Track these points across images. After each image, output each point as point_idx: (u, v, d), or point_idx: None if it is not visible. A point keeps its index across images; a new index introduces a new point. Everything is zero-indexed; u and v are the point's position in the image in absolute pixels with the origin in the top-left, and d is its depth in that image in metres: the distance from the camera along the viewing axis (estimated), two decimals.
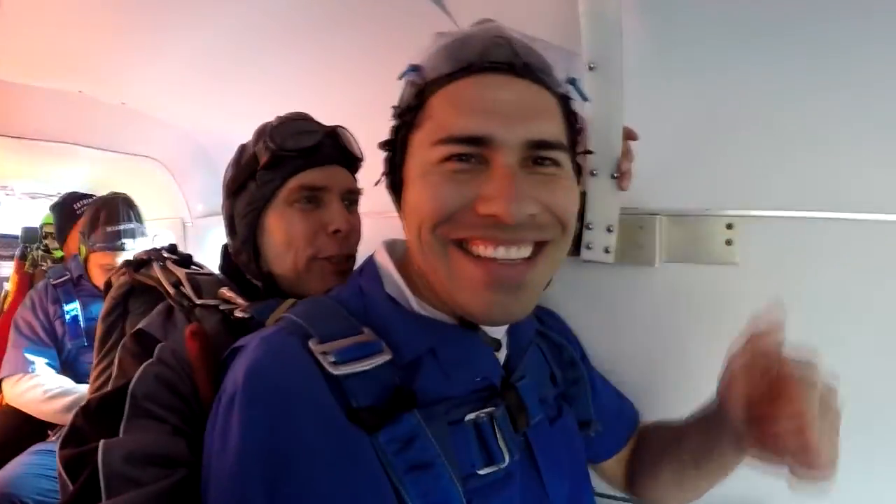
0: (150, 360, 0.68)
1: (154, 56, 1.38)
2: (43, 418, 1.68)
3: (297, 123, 0.88)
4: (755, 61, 0.79)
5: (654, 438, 0.82)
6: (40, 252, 2.23)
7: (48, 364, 1.75)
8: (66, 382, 1.72)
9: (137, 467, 0.55)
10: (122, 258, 1.80)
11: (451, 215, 0.52)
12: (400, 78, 0.60)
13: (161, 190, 2.27)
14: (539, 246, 0.54)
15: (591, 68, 0.81)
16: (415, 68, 0.58)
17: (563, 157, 0.55)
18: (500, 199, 0.49)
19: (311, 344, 0.52)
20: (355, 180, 0.94)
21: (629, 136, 0.84)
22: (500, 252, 0.52)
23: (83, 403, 0.69)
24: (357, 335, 0.54)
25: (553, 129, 0.55)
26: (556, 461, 0.63)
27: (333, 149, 0.89)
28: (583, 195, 0.87)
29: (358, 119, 1.17)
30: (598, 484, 0.97)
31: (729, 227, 0.83)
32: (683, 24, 0.83)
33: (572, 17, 0.80)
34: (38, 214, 2.81)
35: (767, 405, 0.53)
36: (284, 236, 0.84)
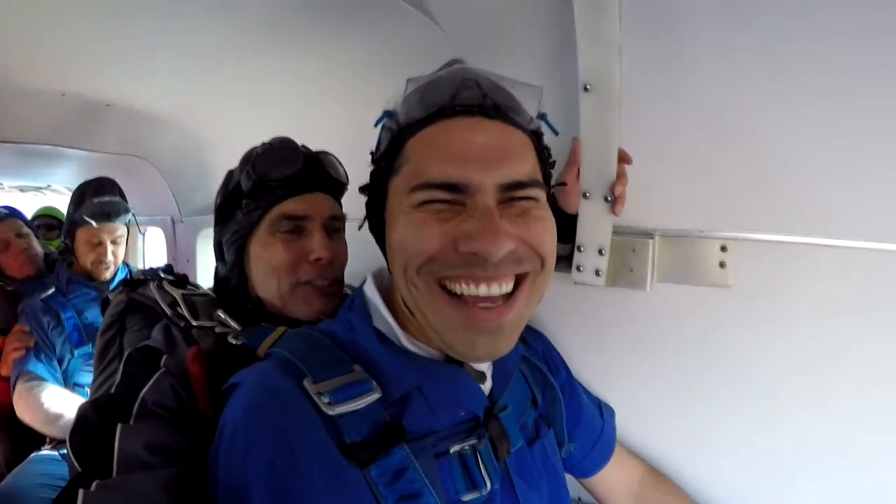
0: (162, 370, 0.72)
1: (139, 56, 1.34)
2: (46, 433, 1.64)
3: (279, 152, 0.88)
4: (753, 84, 0.78)
5: None
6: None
7: (51, 374, 1.71)
8: (68, 402, 1.65)
9: (151, 453, 0.59)
10: (107, 234, 1.78)
11: (434, 255, 0.53)
12: (376, 125, 0.61)
13: (150, 187, 2.24)
14: (519, 280, 0.55)
15: (586, 89, 0.79)
16: (389, 114, 0.59)
17: (538, 193, 0.57)
18: (480, 237, 0.51)
19: (306, 384, 0.55)
20: (339, 206, 0.95)
21: (623, 158, 0.83)
22: (482, 290, 0.53)
23: (92, 399, 0.73)
24: (348, 373, 0.57)
25: (526, 167, 0.56)
26: (534, 483, 0.66)
27: (316, 176, 0.90)
28: (574, 217, 0.87)
29: (349, 125, 1.15)
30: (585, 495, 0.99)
31: (723, 249, 0.82)
32: (680, 44, 0.82)
33: (569, 38, 0.78)
34: (29, 207, 2.78)
35: None
36: (268, 264, 0.86)
